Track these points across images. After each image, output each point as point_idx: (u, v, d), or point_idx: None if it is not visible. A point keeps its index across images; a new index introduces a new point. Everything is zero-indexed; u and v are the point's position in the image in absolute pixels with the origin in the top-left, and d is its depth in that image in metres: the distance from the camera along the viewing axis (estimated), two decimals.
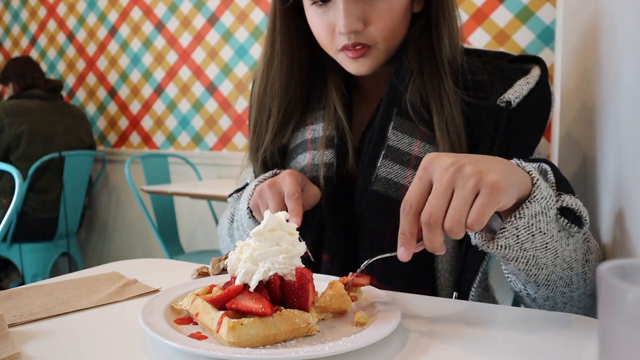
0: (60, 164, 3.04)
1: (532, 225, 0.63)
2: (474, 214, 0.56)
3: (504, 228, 0.63)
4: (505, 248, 0.63)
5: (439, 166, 0.59)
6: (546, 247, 0.65)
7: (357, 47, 0.86)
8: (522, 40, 2.16)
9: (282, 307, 0.57)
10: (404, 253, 0.60)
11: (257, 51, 2.91)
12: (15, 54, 3.95)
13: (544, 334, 0.60)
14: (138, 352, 0.56)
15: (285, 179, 0.83)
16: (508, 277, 0.74)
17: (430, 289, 0.86)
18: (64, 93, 3.60)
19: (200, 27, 3.08)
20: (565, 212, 0.65)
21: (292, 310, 0.56)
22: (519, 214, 0.62)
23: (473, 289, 0.79)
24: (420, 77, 0.88)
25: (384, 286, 0.76)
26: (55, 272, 3.31)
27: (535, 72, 0.88)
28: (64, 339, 0.60)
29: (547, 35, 2.11)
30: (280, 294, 0.58)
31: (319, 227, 0.90)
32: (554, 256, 0.66)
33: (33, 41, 3.86)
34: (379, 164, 0.87)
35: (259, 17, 2.89)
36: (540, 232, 0.63)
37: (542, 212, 0.63)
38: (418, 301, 0.71)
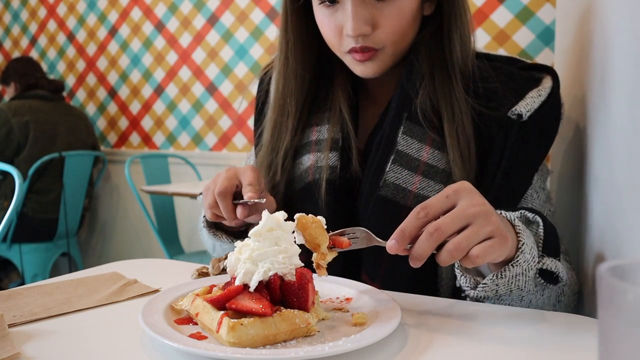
0: (60, 164, 3.04)
1: (511, 283, 0.68)
2: (482, 248, 0.59)
3: (485, 284, 0.68)
4: (484, 298, 0.69)
5: (470, 198, 0.61)
6: (522, 299, 0.71)
7: (364, 51, 0.85)
8: (522, 40, 2.16)
9: (282, 307, 0.57)
10: (393, 246, 0.61)
11: (257, 51, 2.91)
12: (15, 54, 3.95)
13: (543, 333, 0.60)
14: (138, 352, 0.56)
15: (247, 172, 0.83)
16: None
17: (432, 294, 0.85)
18: (64, 94, 3.60)
19: (200, 27, 3.08)
20: (544, 272, 0.70)
21: (292, 310, 0.56)
22: (501, 274, 0.67)
23: (468, 298, 0.79)
24: (432, 83, 0.87)
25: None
26: (55, 272, 3.31)
27: (547, 84, 0.86)
28: (64, 339, 0.60)
29: (547, 35, 2.11)
30: (280, 294, 0.58)
31: None
32: (527, 304, 0.72)
33: (33, 41, 3.86)
34: (387, 169, 0.85)
35: (259, 17, 2.89)
36: (518, 288, 0.68)
37: (522, 273, 0.67)
38: (418, 301, 0.71)
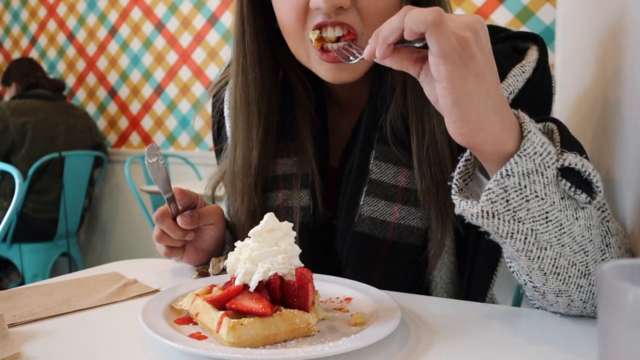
0: (60, 164, 3.04)
1: (524, 187, 0.51)
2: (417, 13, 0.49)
3: (489, 189, 0.52)
4: (495, 217, 0.52)
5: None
6: (547, 217, 0.53)
7: (336, 27, 0.70)
8: None
9: (282, 307, 0.57)
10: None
11: None
12: (15, 54, 3.95)
13: (543, 333, 0.60)
14: (138, 352, 0.56)
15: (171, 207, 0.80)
16: (510, 267, 0.62)
17: None
18: (64, 93, 3.60)
19: (200, 27, 3.08)
20: (569, 175, 0.53)
21: (292, 310, 0.56)
22: (506, 170, 0.51)
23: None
24: (402, 93, 0.77)
25: None
26: (55, 272, 3.31)
27: (532, 57, 0.75)
28: (64, 339, 0.60)
29: (547, 35, 2.11)
30: (280, 294, 0.58)
31: None
32: (558, 231, 0.54)
33: (33, 41, 3.86)
34: (361, 202, 0.77)
35: None
36: (537, 196, 0.52)
37: (536, 170, 0.52)
38: (418, 301, 0.71)
